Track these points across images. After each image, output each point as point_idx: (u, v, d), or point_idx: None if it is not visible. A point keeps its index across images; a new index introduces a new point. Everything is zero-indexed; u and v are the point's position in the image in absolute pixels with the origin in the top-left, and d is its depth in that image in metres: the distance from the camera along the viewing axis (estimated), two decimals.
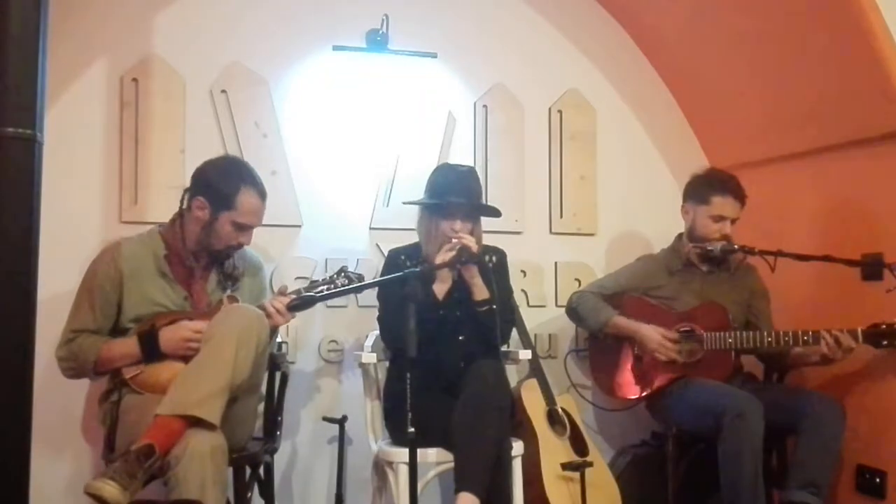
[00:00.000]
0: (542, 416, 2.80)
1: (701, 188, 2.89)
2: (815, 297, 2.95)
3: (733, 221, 2.83)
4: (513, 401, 2.65)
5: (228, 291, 2.45)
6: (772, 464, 2.81)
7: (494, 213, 2.73)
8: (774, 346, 2.68)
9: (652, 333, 2.80)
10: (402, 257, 2.70)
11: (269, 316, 2.29)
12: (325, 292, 2.41)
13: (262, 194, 2.43)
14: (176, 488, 1.93)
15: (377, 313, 2.71)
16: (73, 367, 2.34)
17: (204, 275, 2.44)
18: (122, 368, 2.28)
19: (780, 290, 2.96)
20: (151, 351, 2.26)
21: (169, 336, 2.26)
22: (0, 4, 1.85)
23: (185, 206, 2.41)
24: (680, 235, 3.00)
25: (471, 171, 2.71)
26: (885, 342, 2.55)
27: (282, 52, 3.05)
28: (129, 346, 2.28)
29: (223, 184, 2.36)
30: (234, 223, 2.36)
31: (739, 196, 2.83)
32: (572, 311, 2.98)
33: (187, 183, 2.44)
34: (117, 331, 2.35)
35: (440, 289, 2.60)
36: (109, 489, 1.81)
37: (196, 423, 1.99)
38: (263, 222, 2.95)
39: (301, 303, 2.36)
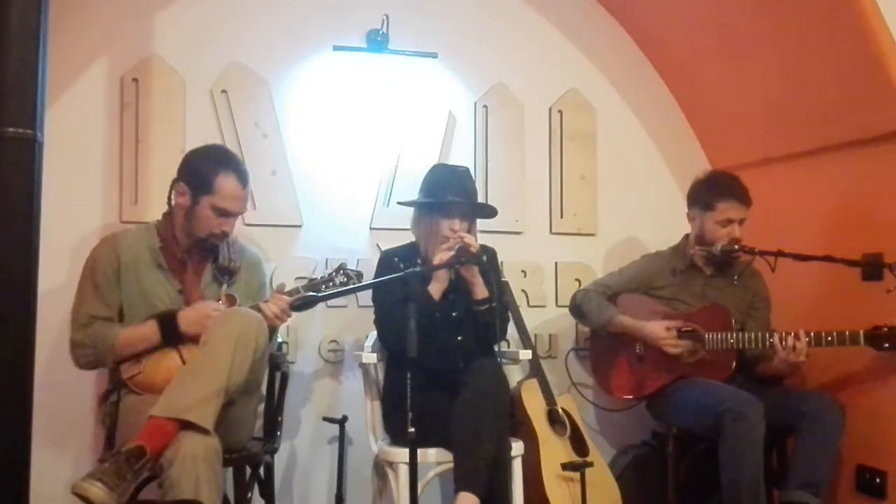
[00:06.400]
0: (543, 416, 2.80)
1: (705, 194, 2.88)
2: (816, 297, 2.95)
3: (741, 223, 2.82)
4: (512, 400, 2.65)
5: (225, 286, 2.44)
6: (772, 464, 2.81)
7: (492, 212, 2.73)
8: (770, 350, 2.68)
9: (656, 329, 2.80)
10: (396, 259, 2.68)
11: (267, 319, 2.27)
12: (328, 292, 2.40)
13: (243, 180, 2.40)
14: (170, 491, 1.92)
15: (374, 316, 2.70)
16: (90, 353, 2.29)
17: (198, 269, 2.43)
18: (120, 368, 2.27)
19: (781, 290, 2.95)
20: (171, 333, 2.25)
21: (190, 315, 2.26)
22: (0, 4, 1.85)
23: (171, 199, 2.40)
24: (686, 236, 2.99)
25: (467, 171, 2.72)
26: (886, 345, 2.54)
27: (282, 52, 3.05)
28: (148, 329, 2.27)
29: (202, 168, 2.35)
30: (214, 207, 2.34)
31: (744, 198, 2.82)
32: (576, 309, 2.97)
33: None
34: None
35: (436, 289, 2.59)
36: (96, 490, 1.78)
37: (188, 426, 1.98)
38: (264, 222, 2.98)
39: (304, 303, 2.36)
